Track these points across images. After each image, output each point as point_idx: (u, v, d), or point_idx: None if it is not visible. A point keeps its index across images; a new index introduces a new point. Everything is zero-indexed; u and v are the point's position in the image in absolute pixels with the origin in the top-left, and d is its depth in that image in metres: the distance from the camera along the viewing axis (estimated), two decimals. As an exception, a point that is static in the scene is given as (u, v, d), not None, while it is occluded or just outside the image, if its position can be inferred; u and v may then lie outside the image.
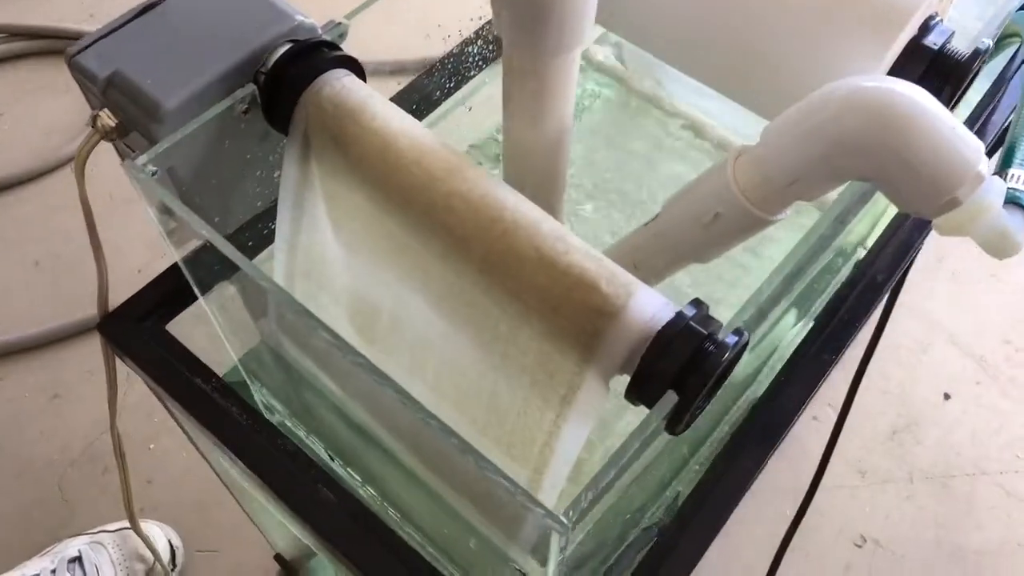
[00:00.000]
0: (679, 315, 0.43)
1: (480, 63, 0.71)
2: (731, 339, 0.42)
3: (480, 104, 0.72)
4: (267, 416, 0.74)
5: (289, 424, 0.73)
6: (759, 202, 0.51)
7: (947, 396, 1.36)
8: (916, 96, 0.46)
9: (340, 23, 0.56)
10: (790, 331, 0.72)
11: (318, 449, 0.71)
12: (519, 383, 0.49)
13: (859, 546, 1.22)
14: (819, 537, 1.22)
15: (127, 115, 0.51)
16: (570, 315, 0.45)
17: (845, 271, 0.74)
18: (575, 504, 0.39)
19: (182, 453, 1.25)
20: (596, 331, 0.44)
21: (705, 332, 0.42)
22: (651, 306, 0.43)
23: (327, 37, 0.54)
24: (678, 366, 0.42)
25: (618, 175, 0.81)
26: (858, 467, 1.29)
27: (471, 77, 0.71)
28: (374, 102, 0.50)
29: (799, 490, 0.84)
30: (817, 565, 1.21)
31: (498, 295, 0.47)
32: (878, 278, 0.64)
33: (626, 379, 0.44)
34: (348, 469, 0.69)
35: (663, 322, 0.43)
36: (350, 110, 0.50)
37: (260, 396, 0.73)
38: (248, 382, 0.72)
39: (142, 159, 0.49)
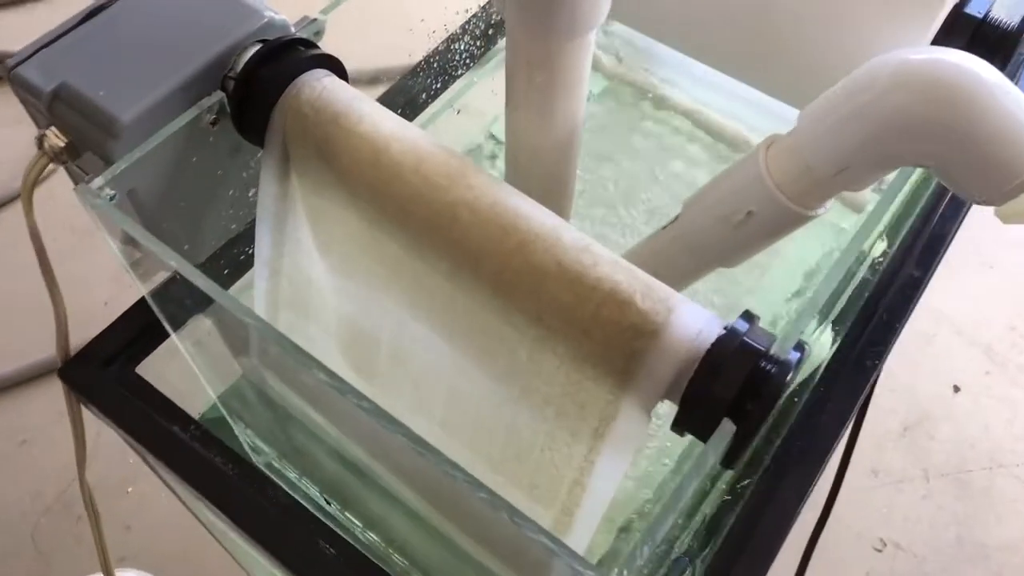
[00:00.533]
0: (731, 331, 0.37)
1: (467, 61, 0.65)
2: (793, 355, 0.36)
3: (468, 106, 0.66)
4: (253, 458, 0.68)
5: (278, 465, 0.66)
6: (797, 196, 0.46)
7: (956, 388, 1.31)
8: (974, 67, 0.40)
9: (316, 19, 0.50)
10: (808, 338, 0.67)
11: (312, 492, 0.64)
12: (543, 416, 0.44)
13: (879, 551, 1.17)
14: (837, 544, 1.17)
15: (78, 133, 0.45)
16: (602, 336, 0.39)
17: (862, 268, 0.69)
18: (629, 562, 0.33)
19: (162, 495, 1.17)
20: (633, 353, 0.38)
21: (763, 349, 0.36)
22: (696, 321, 0.38)
23: (302, 35, 0.48)
24: (735, 390, 0.36)
25: (617, 176, 0.75)
26: (871, 467, 1.24)
27: (458, 76, 0.65)
28: (360, 104, 0.44)
29: (813, 496, 0.79)
30: (838, 574, 1.15)
31: (516, 317, 0.41)
32: (914, 274, 0.59)
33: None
34: (346, 513, 0.62)
35: (711, 339, 0.37)
36: (334, 114, 0.44)
37: (244, 437, 0.67)
38: (231, 422, 0.65)
39: (97, 182, 0.43)
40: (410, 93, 0.61)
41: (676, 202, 0.71)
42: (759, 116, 0.75)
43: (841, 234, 0.71)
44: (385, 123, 0.44)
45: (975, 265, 1.44)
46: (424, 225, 0.42)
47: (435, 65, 0.63)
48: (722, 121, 0.74)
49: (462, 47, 0.64)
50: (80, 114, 0.44)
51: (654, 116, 0.77)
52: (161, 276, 0.50)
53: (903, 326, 0.58)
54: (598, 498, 0.44)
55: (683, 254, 0.52)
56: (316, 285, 0.50)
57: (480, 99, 0.67)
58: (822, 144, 0.44)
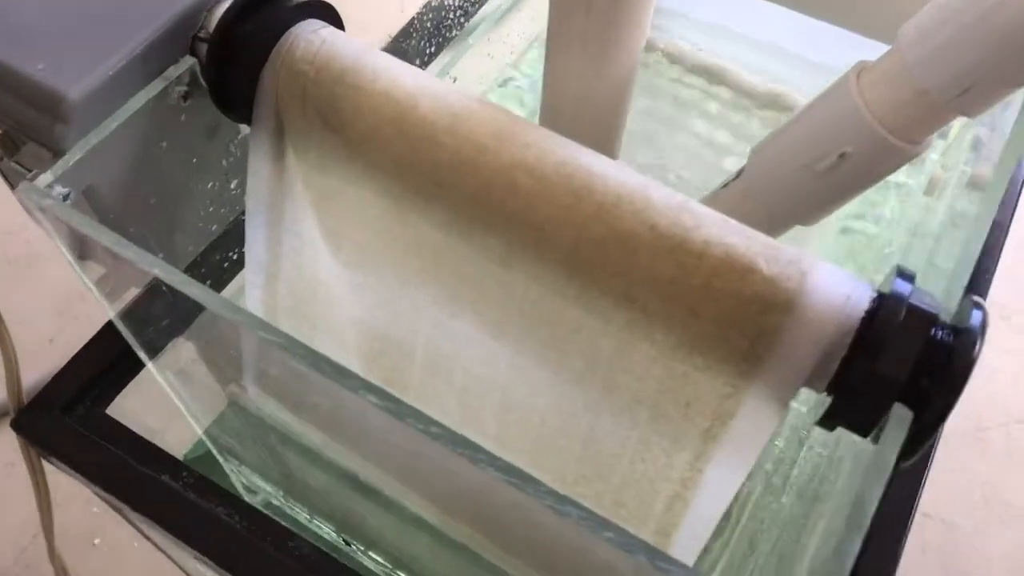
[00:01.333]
0: (892, 296, 0.29)
1: (460, 19, 0.56)
2: (975, 318, 0.29)
3: (464, 73, 0.57)
4: (248, 499, 0.58)
5: (279, 503, 0.57)
6: (903, 129, 0.38)
7: (962, 345, 1.27)
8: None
9: (296, -35, 0.41)
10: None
11: (325, 531, 0.55)
12: (632, 420, 0.35)
13: (907, 522, 1.12)
14: (863, 519, 1.11)
15: (14, 120, 0.35)
16: (717, 315, 0.31)
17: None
18: (816, 603, 0.26)
19: (134, 544, 1.07)
20: (761, 332, 0.30)
21: (935, 313, 0.29)
22: (840, 284, 0.30)
23: (284, -19, 0.39)
24: (908, 367, 0.28)
25: (629, 141, 0.67)
26: (887, 435, 1.18)
27: (451, 39, 0.56)
28: (372, 57, 0.36)
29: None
30: (869, 551, 1.09)
31: (598, 301, 0.33)
32: (996, 218, 0.52)
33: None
34: (371, 553, 0.54)
35: (863, 305, 0.29)
36: (340, 71, 0.35)
37: (238, 476, 0.57)
38: (221, 461, 0.56)
39: (46, 178, 0.33)
40: (403, 57, 0.52)
41: (702, 166, 0.64)
42: (779, 63, 0.68)
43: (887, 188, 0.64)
44: (406, 77, 0.35)
45: (966, 216, 1.39)
46: (470, 198, 0.34)
47: (428, 23, 0.54)
48: (744, 75, 0.66)
49: (455, 2, 0.55)
50: (15, 95, 0.35)
51: (660, 73, 0.69)
52: (131, 293, 0.41)
53: (992, 275, 0.51)
54: (705, 515, 0.36)
55: (754, 213, 0.44)
56: (325, 287, 0.41)
57: (474, 64, 0.59)
58: (937, 62, 0.36)
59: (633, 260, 0.31)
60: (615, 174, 0.32)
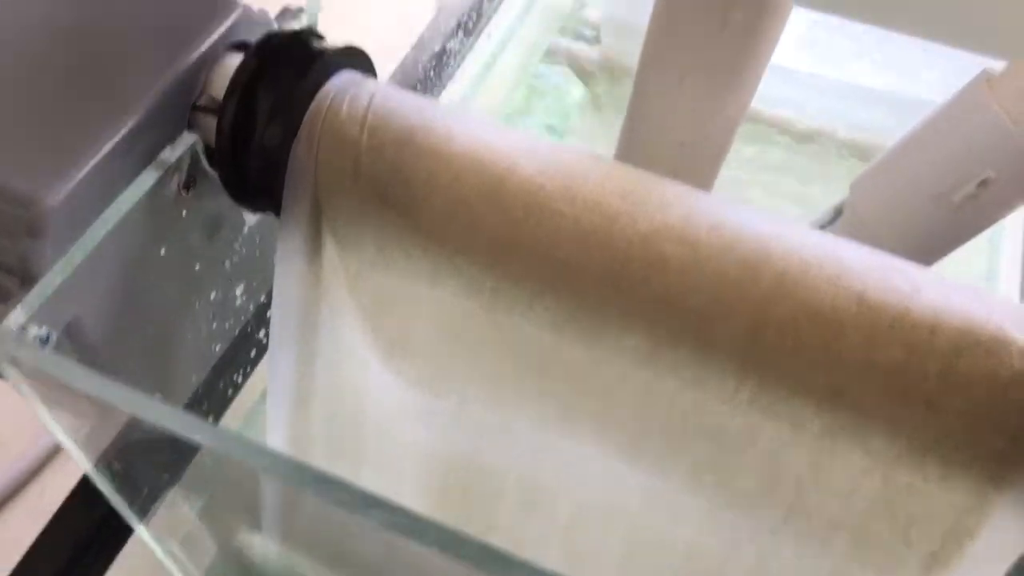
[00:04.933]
0: None
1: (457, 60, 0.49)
2: None
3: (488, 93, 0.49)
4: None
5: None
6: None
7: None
8: None
9: (301, 8, 0.32)
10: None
11: None
12: (824, 549, 0.27)
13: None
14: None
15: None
16: (964, 406, 0.23)
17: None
18: None
19: None
20: (1027, 423, 0.23)
21: None
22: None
23: (295, 26, 0.30)
24: None
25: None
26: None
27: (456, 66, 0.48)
28: (440, 110, 0.27)
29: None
30: None
31: (784, 404, 0.25)
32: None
33: None
34: None
35: None
36: (406, 131, 0.27)
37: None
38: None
39: (17, 317, 0.24)
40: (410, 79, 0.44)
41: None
42: (801, 92, 0.62)
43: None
44: (490, 131, 0.27)
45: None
46: (598, 281, 0.25)
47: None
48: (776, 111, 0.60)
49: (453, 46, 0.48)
50: (-44, 204, 0.25)
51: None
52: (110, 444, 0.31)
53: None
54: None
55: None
56: (375, 413, 0.32)
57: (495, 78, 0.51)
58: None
59: (839, 344, 0.24)
60: (789, 232, 0.25)
